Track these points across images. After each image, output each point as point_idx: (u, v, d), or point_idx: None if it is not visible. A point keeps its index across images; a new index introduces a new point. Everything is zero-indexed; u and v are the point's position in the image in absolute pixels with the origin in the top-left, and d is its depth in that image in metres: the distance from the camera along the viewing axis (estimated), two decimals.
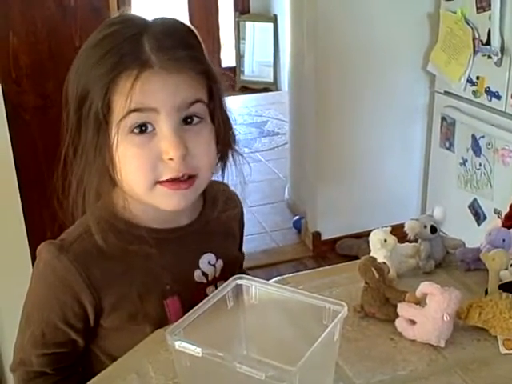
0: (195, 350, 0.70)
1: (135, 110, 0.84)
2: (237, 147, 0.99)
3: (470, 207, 2.71)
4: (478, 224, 2.67)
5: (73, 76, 0.89)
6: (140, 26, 0.87)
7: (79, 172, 0.89)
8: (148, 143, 0.86)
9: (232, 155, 0.98)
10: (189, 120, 0.88)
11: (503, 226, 1.12)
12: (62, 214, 0.92)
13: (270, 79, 5.50)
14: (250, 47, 5.53)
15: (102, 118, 0.85)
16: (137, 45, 0.84)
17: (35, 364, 0.95)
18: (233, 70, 5.41)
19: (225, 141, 0.96)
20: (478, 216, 2.67)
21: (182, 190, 0.89)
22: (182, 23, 0.91)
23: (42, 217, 1.81)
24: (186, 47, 0.87)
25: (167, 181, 0.87)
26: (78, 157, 0.89)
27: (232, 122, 0.97)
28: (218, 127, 0.93)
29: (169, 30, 0.88)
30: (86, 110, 0.86)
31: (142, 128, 0.85)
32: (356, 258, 0.97)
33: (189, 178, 0.88)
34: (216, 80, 0.92)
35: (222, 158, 0.98)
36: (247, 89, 5.46)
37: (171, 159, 0.85)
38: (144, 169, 0.86)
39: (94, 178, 0.88)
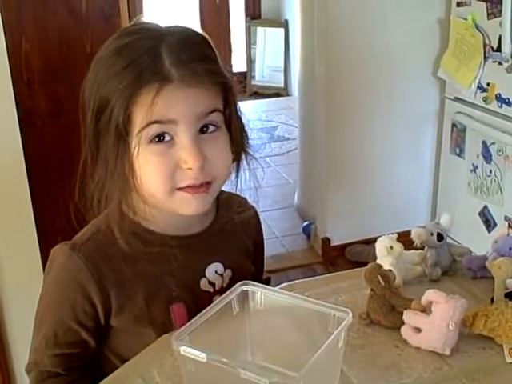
0: (200, 356, 0.70)
1: (156, 122, 0.86)
2: (250, 151, 1.00)
3: (480, 214, 2.70)
4: (488, 231, 2.65)
5: (90, 84, 0.90)
6: (157, 37, 0.88)
7: (100, 179, 0.91)
8: (167, 152, 0.88)
9: (246, 158, 1.00)
10: (205, 129, 0.90)
11: None
12: (79, 217, 0.94)
13: (281, 84, 5.51)
14: (261, 52, 5.54)
15: (123, 128, 0.87)
16: (156, 59, 0.86)
17: (48, 364, 0.96)
18: (244, 75, 5.42)
19: (239, 145, 0.98)
20: (489, 223, 2.66)
21: (201, 194, 0.91)
22: (197, 33, 0.92)
23: (54, 223, 1.82)
24: (204, 60, 0.89)
25: (186, 187, 0.90)
26: (98, 165, 0.91)
27: (246, 126, 0.99)
28: (233, 133, 0.95)
29: (186, 41, 0.90)
30: (105, 119, 0.88)
31: (161, 138, 0.88)
32: (366, 264, 0.96)
33: (206, 183, 0.91)
34: (231, 88, 0.94)
35: (236, 160, 0.99)
36: (258, 94, 5.47)
37: (190, 168, 0.88)
38: (163, 176, 0.88)
39: (116, 185, 0.90)
